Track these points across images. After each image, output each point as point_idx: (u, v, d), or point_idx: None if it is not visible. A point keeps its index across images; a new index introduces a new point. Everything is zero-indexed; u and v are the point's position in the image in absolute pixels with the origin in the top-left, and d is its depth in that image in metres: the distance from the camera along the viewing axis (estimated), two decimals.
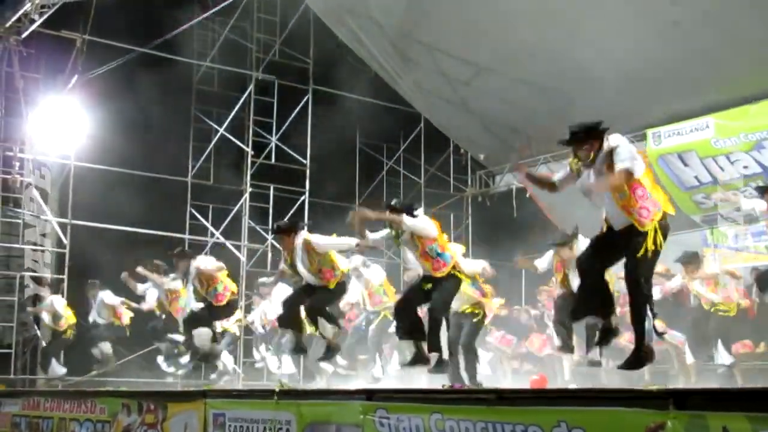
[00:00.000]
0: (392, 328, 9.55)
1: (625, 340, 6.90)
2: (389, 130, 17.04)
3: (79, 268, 13.15)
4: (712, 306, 9.56)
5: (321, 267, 7.62)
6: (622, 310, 6.86)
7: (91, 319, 11.90)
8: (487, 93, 14.88)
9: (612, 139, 5.48)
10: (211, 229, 15.28)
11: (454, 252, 7.02)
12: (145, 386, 10.86)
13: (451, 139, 17.24)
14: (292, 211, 15.55)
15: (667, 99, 13.22)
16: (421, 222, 6.91)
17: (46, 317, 12.06)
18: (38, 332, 12.77)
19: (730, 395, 3.69)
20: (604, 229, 5.64)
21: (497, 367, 11.78)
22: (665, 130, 13.42)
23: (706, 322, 9.52)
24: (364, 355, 10.94)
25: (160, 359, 11.06)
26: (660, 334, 5.74)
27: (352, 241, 7.97)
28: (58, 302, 12.08)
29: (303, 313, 8.00)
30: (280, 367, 11.51)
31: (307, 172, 15.83)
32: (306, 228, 8.00)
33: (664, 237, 5.42)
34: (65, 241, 13.43)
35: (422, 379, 9.07)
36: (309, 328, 8.49)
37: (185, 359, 10.29)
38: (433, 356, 6.84)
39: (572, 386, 8.97)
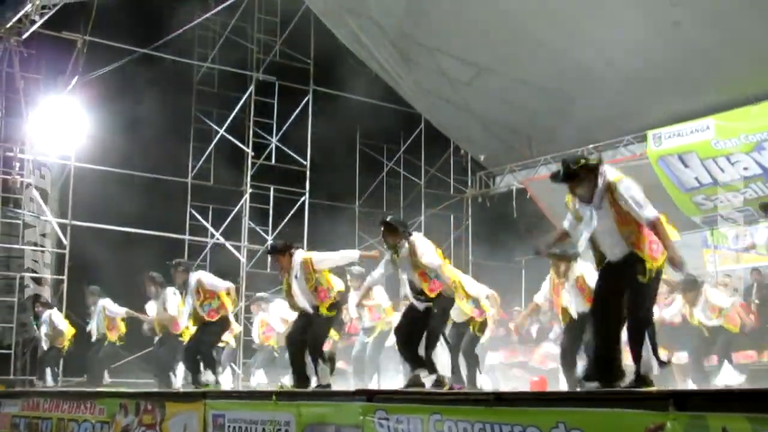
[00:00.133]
0: (389, 342, 9.50)
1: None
2: (389, 130, 17.04)
3: (79, 269, 13.14)
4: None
5: (317, 286, 7.53)
6: None
7: (88, 329, 11.35)
8: (487, 93, 14.88)
9: (609, 173, 5.31)
10: (211, 229, 15.28)
11: (455, 275, 6.96)
12: (145, 387, 10.81)
13: (451, 140, 17.24)
14: (292, 212, 15.56)
15: (668, 99, 13.21)
16: (428, 254, 6.83)
17: (45, 329, 11.77)
18: (38, 333, 12.70)
19: (730, 396, 3.69)
20: (603, 265, 5.48)
21: (499, 378, 11.71)
22: (665, 132, 13.41)
23: (712, 340, 9.33)
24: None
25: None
26: (664, 363, 5.59)
27: (354, 255, 7.89)
28: (57, 317, 11.59)
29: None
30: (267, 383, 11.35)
31: (307, 172, 15.83)
32: (300, 248, 7.86)
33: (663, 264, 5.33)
34: (65, 242, 13.43)
35: None
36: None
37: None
38: (431, 378, 6.80)
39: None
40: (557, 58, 13.37)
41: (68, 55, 13.55)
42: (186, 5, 14.31)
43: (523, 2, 12.96)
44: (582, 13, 12.52)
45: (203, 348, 9.04)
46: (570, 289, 7.42)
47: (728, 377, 9.14)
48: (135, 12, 13.61)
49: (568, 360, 7.46)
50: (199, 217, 15.35)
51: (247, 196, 15.26)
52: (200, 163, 15.55)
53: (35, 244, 13.38)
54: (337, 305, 7.73)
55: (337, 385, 8.18)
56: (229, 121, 15.38)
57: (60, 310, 12.37)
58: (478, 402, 4.53)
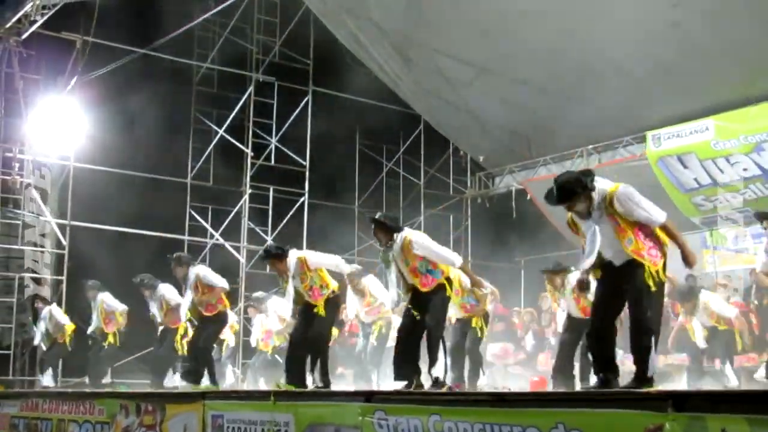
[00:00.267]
0: (390, 342, 9.48)
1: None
2: (389, 131, 17.04)
3: (78, 269, 13.12)
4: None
5: (312, 285, 7.55)
6: None
7: (92, 328, 11.27)
8: (487, 94, 14.88)
9: (602, 184, 5.25)
10: (211, 230, 15.28)
11: (446, 268, 6.93)
12: (145, 387, 10.81)
13: (450, 141, 17.25)
14: (291, 212, 15.56)
15: (667, 100, 13.21)
16: (427, 242, 6.82)
17: (45, 326, 11.72)
18: (37, 334, 12.68)
19: (730, 397, 3.69)
20: (604, 271, 5.45)
21: (497, 377, 11.72)
22: (665, 132, 13.41)
23: (712, 341, 9.33)
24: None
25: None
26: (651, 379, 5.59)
27: (344, 268, 7.87)
28: (57, 312, 11.48)
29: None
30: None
31: (307, 173, 15.83)
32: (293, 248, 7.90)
33: (664, 268, 5.29)
34: (64, 242, 13.42)
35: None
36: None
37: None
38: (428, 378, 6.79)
39: None
40: (557, 59, 13.37)
41: (68, 56, 13.55)
42: (185, 5, 14.31)
43: (523, 2, 12.95)
44: (582, 13, 12.51)
45: (202, 343, 9.06)
46: (567, 299, 7.55)
47: (728, 380, 9.15)
48: (134, 12, 13.61)
49: (564, 368, 7.52)
50: (198, 218, 15.35)
51: (246, 196, 15.26)
52: (200, 163, 15.55)
53: (35, 245, 13.38)
54: (333, 303, 7.77)
55: (337, 388, 8.18)
56: (228, 121, 15.38)
57: None
58: (478, 402, 4.53)
